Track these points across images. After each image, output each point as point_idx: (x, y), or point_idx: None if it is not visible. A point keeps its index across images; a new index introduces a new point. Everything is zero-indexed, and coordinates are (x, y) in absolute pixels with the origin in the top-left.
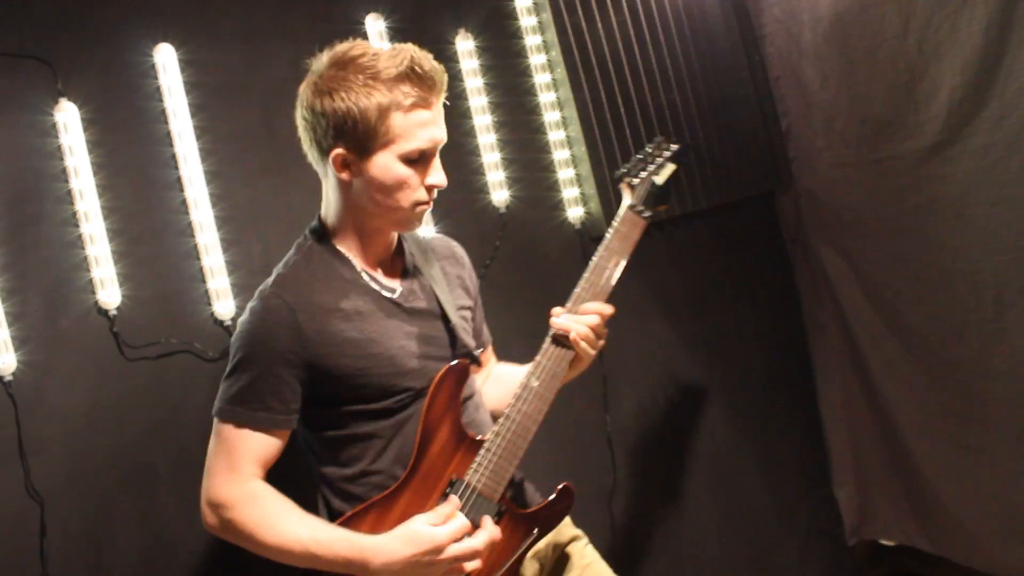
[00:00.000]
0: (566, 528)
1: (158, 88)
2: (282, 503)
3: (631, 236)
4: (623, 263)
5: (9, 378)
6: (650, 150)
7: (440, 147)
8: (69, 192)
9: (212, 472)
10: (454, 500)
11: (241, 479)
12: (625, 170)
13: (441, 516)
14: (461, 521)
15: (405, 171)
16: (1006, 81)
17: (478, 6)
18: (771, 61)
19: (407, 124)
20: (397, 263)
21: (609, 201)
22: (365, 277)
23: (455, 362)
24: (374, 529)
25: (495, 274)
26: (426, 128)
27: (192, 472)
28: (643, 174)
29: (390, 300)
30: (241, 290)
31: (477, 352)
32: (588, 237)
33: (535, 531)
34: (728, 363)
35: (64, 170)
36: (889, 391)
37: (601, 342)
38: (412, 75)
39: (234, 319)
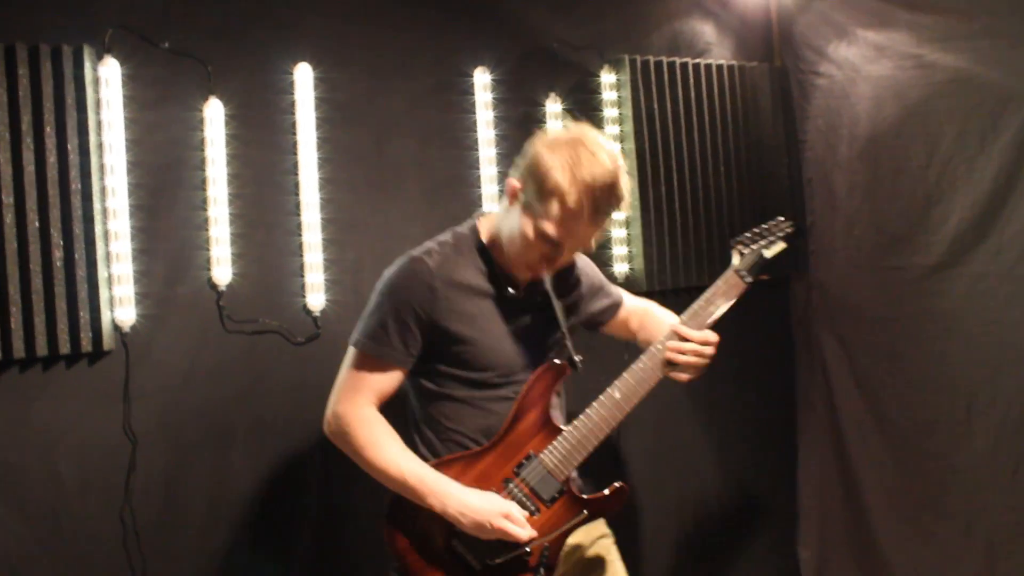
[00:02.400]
0: (600, 524)
1: (292, 102)
2: (390, 433)
3: (729, 294)
4: (724, 308)
5: (127, 330)
6: (767, 226)
7: (572, 254)
8: (203, 180)
9: (340, 389)
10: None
11: (361, 402)
12: (741, 238)
13: (521, 512)
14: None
15: (537, 242)
16: (1007, 223)
17: (569, 74)
18: (807, 164)
19: (563, 219)
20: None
21: (652, 265)
22: (497, 272)
23: (558, 362)
24: (455, 478)
25: None
26: (572, 232)
27: (264, 439)
28: (755, 245)
29: (510, 296)
30: (332, 285)
31: (579, 360)
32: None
33: (584, 513)
34: (724, 418)
35: (203, 160)
36: (862, 470)
37: (704, 363)
38: (603, 198)
39: (322, 312)
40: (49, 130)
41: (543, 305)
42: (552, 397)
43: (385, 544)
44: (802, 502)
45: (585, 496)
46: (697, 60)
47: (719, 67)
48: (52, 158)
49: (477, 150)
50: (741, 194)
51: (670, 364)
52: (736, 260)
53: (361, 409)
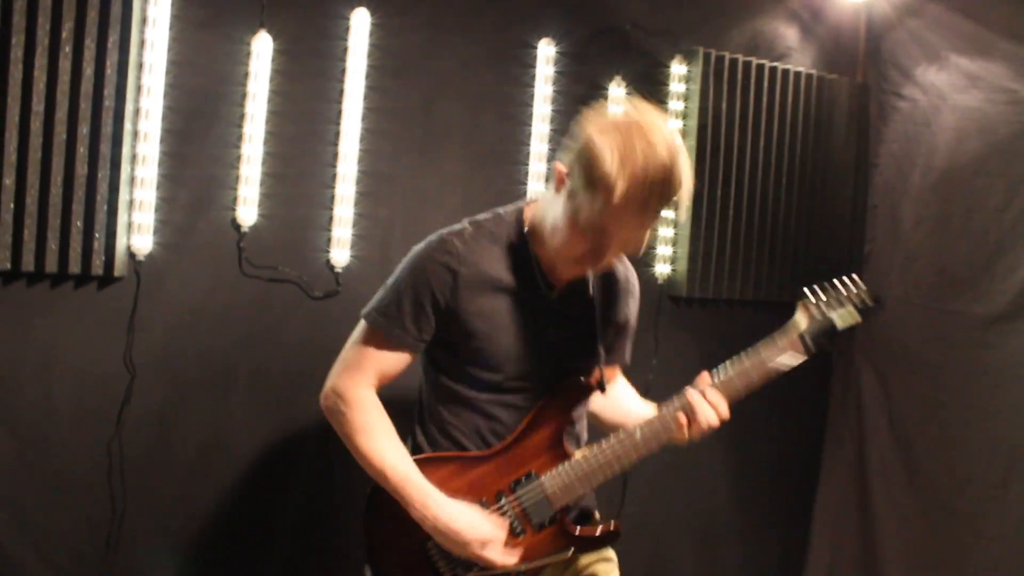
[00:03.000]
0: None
1: (345, 48)
2: (384, 422)
3: (784, 362)
4: (764, 378)
5: (141, 258)
6: (849, 291)
7: (620, 251)
8: (241, 115)
9: (344, 364)
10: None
11: (362, 382)
12: (815, 294)
13: (503, 527)
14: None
15: (581, 236)
16: None
17: (638, 59)
18: (875, 189)
19: (616, 210)
20: (573, 271)
21: (695, 269)
22: (533, 270)
23: (587, 383)
24: (448, 477)
25: None
26: (625, 225)
27: (266, 389)
28: (827, 308)
29: (543, 297)
30: (359, 241)
31: (605, 367)
32: (666, 295)
33: (570, 551)
34: (746, 438)
35: (244, 94)
36: (883, 518)
37: (700, 433)
38: (660, 188)
39: (345, 268)
40: (89, 42)
41: (580, 315)
42: (570, 418)
43: (361, 535)
44: (814, 541)
45: (576, 531)
46: (775, 63)
47: (797, 74)
48: (89, 70)
49: (530, 125)
50: (800, 211)
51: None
52: (802, 321)
53: (360, 389)
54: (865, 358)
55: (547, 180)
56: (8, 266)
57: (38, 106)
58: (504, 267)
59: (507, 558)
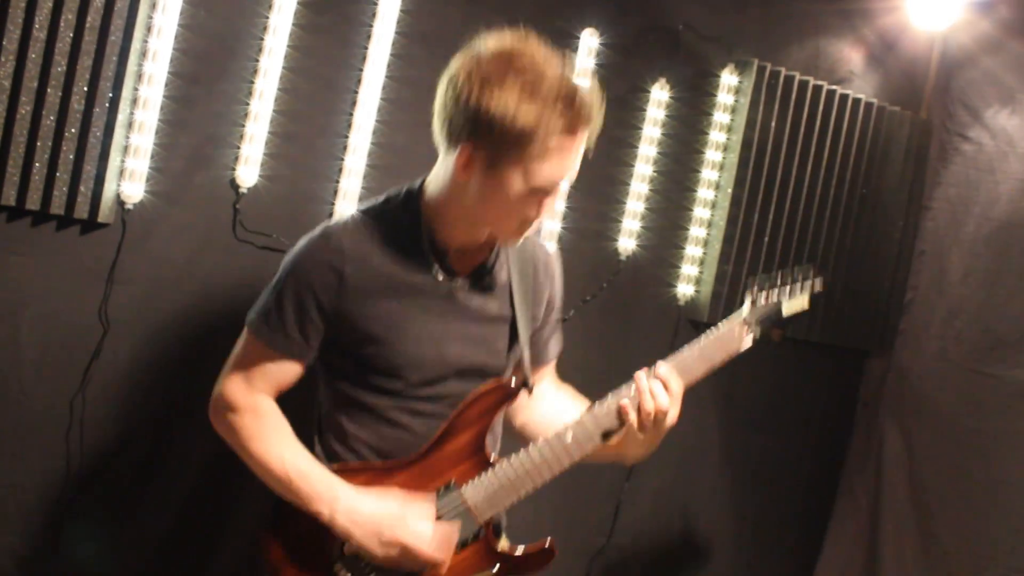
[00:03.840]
0: None
1: (374, 12)
2: (281, 424)
3: (726, 349)
4: (708, 369)
5: (129, 206)
6: (795, 275)
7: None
8: (255, 69)
9: (228, 373)
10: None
11: (250, 390)
12: (759, 279)
13: (430, 515)
14: (442, 532)
15: (529, 199)
16: None
17: (687, 63)
18: (925, 233)
19: (549, 150)
20: (479, 254)
21: (720, 295)
22: (431, 257)
23: (512, 384)
24: (363, 488)
25: (587, 311)
26: (565, 159)
27: None
28: (774, 293)
29: (447, 288)
30: None
31: (531, 384)
32: (684, 318)
33: (496, 568)
34: (754, 475)
35: (260, 47)
36: None
37: (654, 432)
38: (574, 101)
39: None
40: None
41: (492, 305)
42: (492, 422)
43: (260, 554)
44: None
45: (505, 548)
46: (834, 87)
47: (856, 101)
48: (98, 2)
49: None
50: (842, 246)
51: (619, 418)
52: (746, 308)
53: (253, 396)
54: (890, 411)
55: (443, 157)
56: None
57: (39, 32)
58: (398, 260)
59: (438, 545)
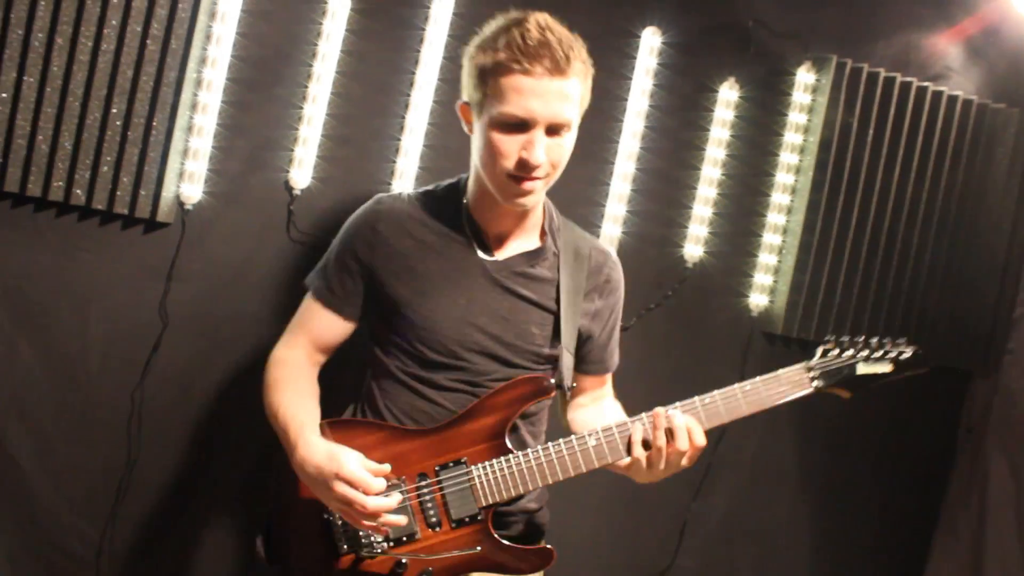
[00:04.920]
0: None
1: (427, 16)
2: (300, 379)
3: (782, 392)
4: (753, 411)
5: (189, 207)
6: (884, 341)
7: (547, 125)
8: (308, 74)
9: (285, 332)
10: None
11: (294, 343)
12: (839, 338)
13: (375, 468)
14: (378, 484)
15: (499, 135)
16: None
17: (759, 62)
18: None
19: (505, 87)
20: (523, 243)
21: (796, 306)
22: (468, 229)
23: (548, 380)
24: (370, 446)
25: (650, 320)
26: (522, 96)
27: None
28: (850, 351)
29: (483, 264)
30: None
31: (569, 386)
32: (758, 329)
33: (478, 549)
34: (841, 515)
35: (314, 53)
36: None
37: (664, 469)
38: (519, 42)
39: None
40: None
41: (534, 289)
42: (518, 412)
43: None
44: None
45: (500, 536)
46: (926, 83)
47: (953, 99)
48: (162, 11)
49: (622, 120)
50: (937, 256)
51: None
52: (816, 357)
53: (288, 350)
54: (997, 439)
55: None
56: (61, 198)
57: (108, 45)
58: (437, 233)
59: (376, 502)
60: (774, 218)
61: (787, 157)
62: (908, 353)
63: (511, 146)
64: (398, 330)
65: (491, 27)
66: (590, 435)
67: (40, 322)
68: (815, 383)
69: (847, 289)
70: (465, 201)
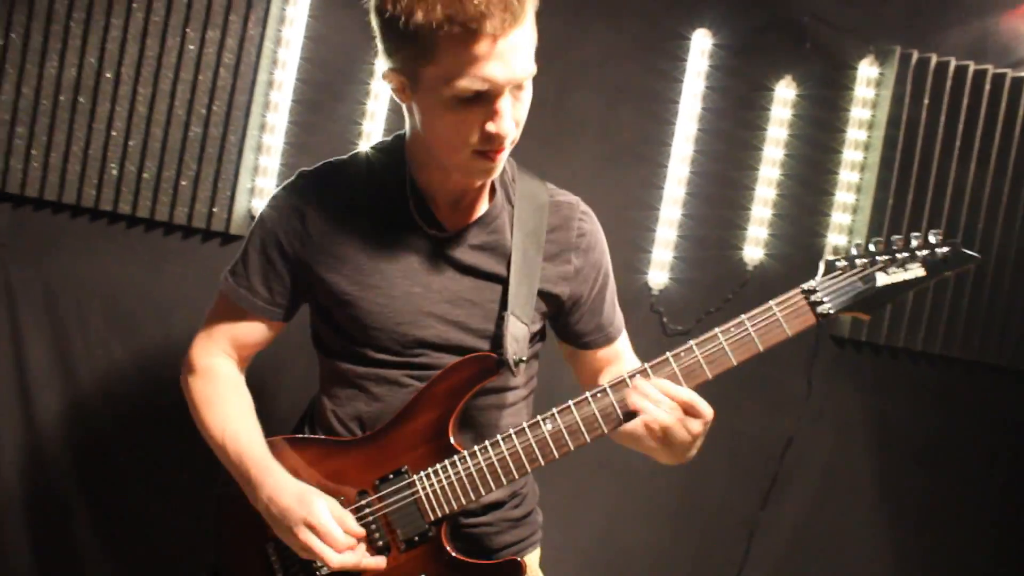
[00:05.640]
0: None
1: None
2: (233, 391)
3: (781, 327)
4: (744, 359)
5: None
6: (910, 238)
7: (511, 86)
8: (367, 92)
9: (196, 335)
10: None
11: (212, 350)
12: (849, 250)
13: (343, 517)
14: (346, 541)
15: (455, 111)
16: None
17: (816, 58)
18: None
19: (452, 55)
20: (474, 207)
21: None
22: (414, 206)
23: (494, 356)
24: (309, 463)
25: (710, 325)
26: (477, 64)
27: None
28: (863, 260)
29: (432, 242)
30: None
31: (517, 359)
32: (827, 333)
33: (426, 571)
34: (923, 528)
35: (370, 72)
36: None
37: (684, 437)
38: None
39: None
40: (234, 17)
41: (490, 256)
42: (463, 401)
43: (213, 516)
44: None
45: (457, 555)
46: (1004, 70)
47: None
48: (232, 40)
49: (675, 123)
50: (1021, 257)
51: (629, 414)
52: (819, 275)
53: (211, 358)
54: None
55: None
56: (148, 214)
57: (186, 75)
58: (376, 209)
59: (339, 551)
60: (839, 218)
61: (851, 154)
62: (945, 249)
63: (472, 122)
64: (342, 329)
65: None
66: (545, 420)
67: (131, 327)
68: (820, 308)
69: (919, 293)
70: (407, 169)
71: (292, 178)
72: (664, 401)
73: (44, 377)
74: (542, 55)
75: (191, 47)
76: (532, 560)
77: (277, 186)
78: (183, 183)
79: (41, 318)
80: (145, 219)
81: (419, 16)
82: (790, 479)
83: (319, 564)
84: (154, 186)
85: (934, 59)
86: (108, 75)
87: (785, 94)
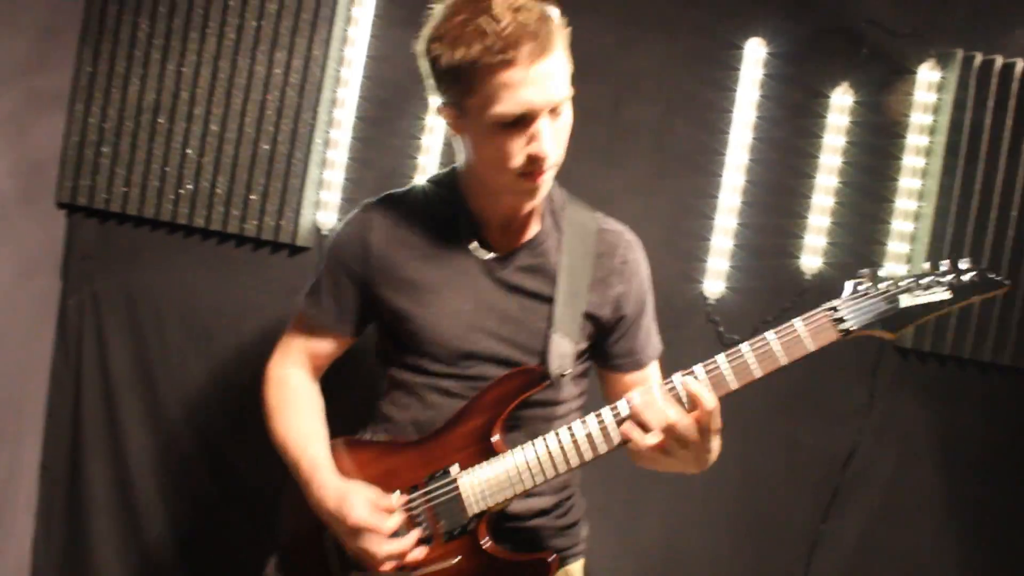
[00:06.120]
0: None
1: None
2: (300, 398)
3: (800, 344)
4: (768, 372)
5: (325, 232)
6: (938, 265)
7: (547, 109)
8: (426, 107)
9: (277, 345)
10: (398, 502)
11: (286, 362)
12: (876, 271)
13: (384, 503)
14: (390, 525)
15: (498, 137)
16: None
17: (874, 65)
18: None
19: (491, 85)
20: (524, 231)
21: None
22: (468, 231)
23: (535, 369)
24: (366, 463)
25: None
26: (513, 91)
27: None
28: (887, 283)
29: (484, 264)
30: None
31: (560, 373)
32: (889, 344)
33: (465, 559)
34: (998, 547)
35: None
36: None
37: (688, 444)
38: (491, 28)
39: None
40: (300, 39)
41: (537, 277)
42: (507, 409)
43: (277, 518)
44: None
45: (490, 549)
46: None
47: None
48: (298, 61)
49: (729, 132)
50: None
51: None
52: (845, 294)
53: (284, 369)
54: None
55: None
56: (220, 227)
57: (255, 95)
58: (433, 234)
59: (390, 547)
60: (899, 225)
61: (911, 160)
62: (972, 274)
63: (516, 145)
64: (401, 342)
65: (444, 15)
66: (581, 424)
67: (204, 334)
68: (843, 326)
69: (985, 300)
70: (461, 197)
71: (357, 208)
72: (651, 423)
73: (127, 382)
74: (596, 68)
75: (260, 68)
76: (576, 570)
77: (341, 198)
78: (252, 197)
79: (124, 326)
80: (217, 232)
81: (459, 55)
82: (852, 492)
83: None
84: (226, 200)
85: (999, 61)
86: (184, 96)
87: (842, 101)
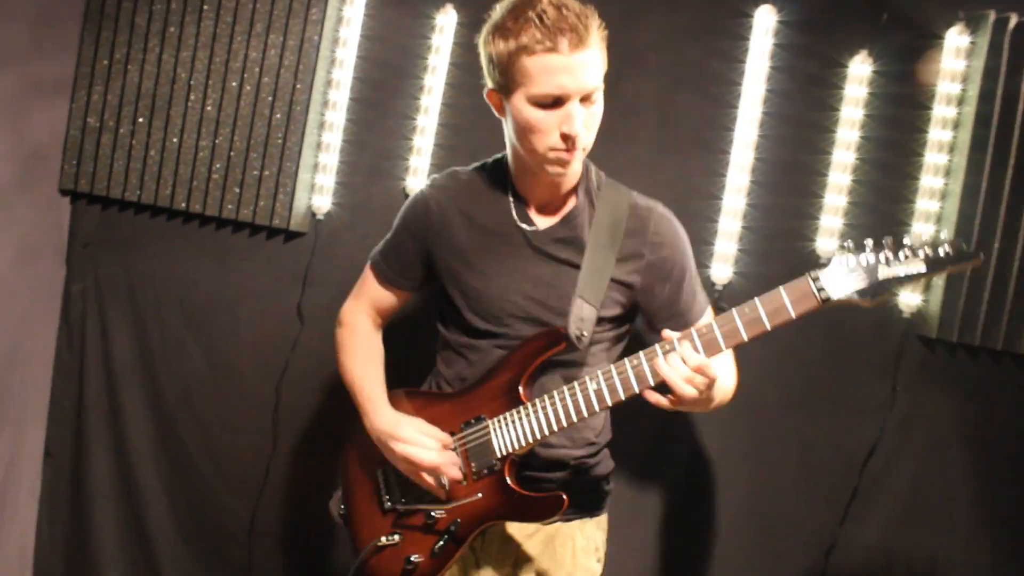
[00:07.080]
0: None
1: None
2: (367, 345)
3: (788, 309)
4: (755, 335)
5: (320, 217)
6: (923, 241)
7: (581, 96)
8: (421, 87)
9: (350, 294)
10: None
11: (357, 309)
12: (857, 242)
13: (429, 431)
14: (432, 443)
15: (536, 115)
16: None
17: (896, 31)
18: None
19: (533, 69)
20: (563, 206)
21: (954, 304)
22: (511, 204)
23: (560, 332)
24: (414, 410)
25: None
26: (553, 74)
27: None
28: (867, 253)
29: (523, 232)
30: None
31: (578, 335)
32: (912, 332)
33: (488, 496)
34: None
35: (425, 67)
36: None
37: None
38: (538, 22)
39: None
40: (294, 21)
41: (569, 246)
42: (534, 365)
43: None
44: None
45: (513, 484)
46: None
47: None
48: (292, 41)
49: (737, 107)
50: None
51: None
52: (829, 267)
53: (356, 315)
54: None
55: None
56: (216, 212)
57: (250, 78)
58: (483, 206)
59: (433, 454)
60: (924, 204)
61: (937, 134)
62: (947, 248)
63: (550, 123)
64: (453, 303)
65: (502, 11)
66: (591, 379)
67: (203, 324)
68: (824, 293)
69: (1020, 285)
70: (509, 177)
71: (429, 181)
72: (682, 367)
73: (128, 367)
74: (642, 66)
75: (254, 53)
76: (599, 523)
77: (336, 181)
78: (248, 182)
79: (125, 312)
80: (214, 217)
81: (512, 43)
82: (873, 493)
83: (414, 498)
84: (222, 185)
85: None
86: (181, 81)
87: (860, 71)
